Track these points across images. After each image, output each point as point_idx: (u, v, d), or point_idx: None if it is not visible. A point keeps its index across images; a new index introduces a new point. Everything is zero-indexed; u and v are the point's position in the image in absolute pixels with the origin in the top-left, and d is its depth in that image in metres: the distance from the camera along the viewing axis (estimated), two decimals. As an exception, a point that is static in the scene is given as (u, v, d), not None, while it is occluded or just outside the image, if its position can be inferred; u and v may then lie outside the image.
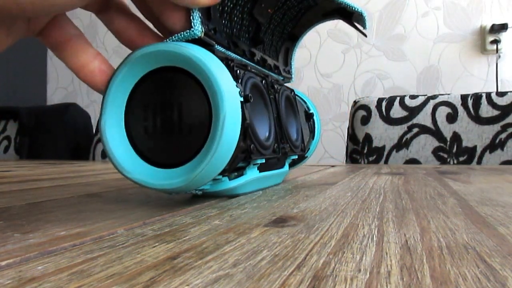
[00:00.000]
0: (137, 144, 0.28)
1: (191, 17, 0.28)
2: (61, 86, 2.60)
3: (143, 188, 0.39)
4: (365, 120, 1.06)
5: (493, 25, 1.98)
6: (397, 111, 1.04)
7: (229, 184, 0.32)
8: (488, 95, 1.00)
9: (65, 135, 1.55)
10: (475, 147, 0.97)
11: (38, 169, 0.75)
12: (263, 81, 0.38)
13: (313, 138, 0.52)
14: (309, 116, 0.51)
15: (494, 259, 0.15)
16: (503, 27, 1.96)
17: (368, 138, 1.04)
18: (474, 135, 0.98)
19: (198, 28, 0.28)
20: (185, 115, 0.27)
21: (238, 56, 0.35)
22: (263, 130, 0.35)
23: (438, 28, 2.09)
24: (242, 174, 0.34)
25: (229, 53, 0.34)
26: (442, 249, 0.17)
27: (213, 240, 0.19)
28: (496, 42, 1.97)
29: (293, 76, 0.51)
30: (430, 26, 2.10)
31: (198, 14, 0.28)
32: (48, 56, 2.60)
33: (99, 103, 2.68)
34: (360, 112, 1.07)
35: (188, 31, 0.28)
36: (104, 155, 1.33)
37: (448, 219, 0.24)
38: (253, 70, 0.37)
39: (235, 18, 0.36)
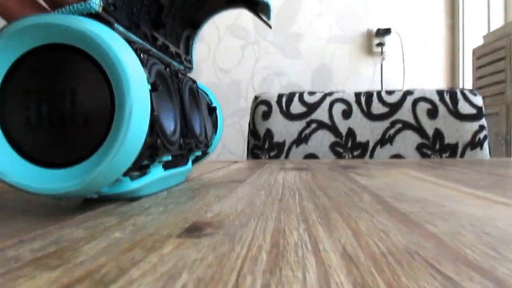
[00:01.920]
0: (15, 139, 0.23)
1: (85, -13, 0.23)
2: None
3: (22, 193, 0.33)
4: (266, 115, 1.06)
5: (378, 29, 2.13)
6: (296, 107, 1.06)
7: (130, 185, 0.28)
8: (379, 93, 1.06)
9: None
10: (367, 142, 1.03)
11: None
12: (167, 69, 0.34)
13: (215, 133, 0.49)
14: (212, 110, 0.48)
15: (445, 267, 0.14)
16: (387, 31, 2.12)
17: (269, 133, 1.05)
18: (367, 131, 1.03)
19: (95, 1, 0.23)
20: (80, 104, 0.23)
21: (139, 39, 0.31)
22: (169, 124, 0.31)
23: (331, 29, 2.19)
24: (145, 173, 0.30)
25: (130, 34, 0.29)
26: (386, 257, 0.15)
27: (115, 261, 0.15)
28: (381, 45, 2.13)
29: (193, 66, 0.48)
30: (324, 26, 2.19)
31: (94, -15, 0.24)
32: None
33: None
34: (261, 108, 1.07)
35: (82, 3, 0.23)
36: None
37: (373, 218, 0.22)
38: (156, 57, 0.33)
39: (135, -3, 0.31)
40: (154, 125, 0.26)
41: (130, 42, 0.28)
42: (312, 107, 1.06)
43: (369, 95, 1.06)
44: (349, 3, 2.17)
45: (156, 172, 0.31)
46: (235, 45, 2.21)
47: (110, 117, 0.22)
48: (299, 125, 1.05)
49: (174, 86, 0.35)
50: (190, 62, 0.47)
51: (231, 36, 2.20)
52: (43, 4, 0.26)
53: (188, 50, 0.47)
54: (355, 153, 1.02)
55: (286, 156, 1.04)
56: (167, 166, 0.33)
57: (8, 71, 0.23)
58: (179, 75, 0.37)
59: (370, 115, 1.04)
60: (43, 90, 0.23)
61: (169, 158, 0.31)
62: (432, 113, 1.02)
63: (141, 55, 0.27)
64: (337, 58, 2.19)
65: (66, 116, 0.23)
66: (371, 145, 1.03)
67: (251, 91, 2.20)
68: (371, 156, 1.02)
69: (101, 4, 0.24)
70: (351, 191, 0.33)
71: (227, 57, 2.21)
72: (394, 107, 1.04)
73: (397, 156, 1.01)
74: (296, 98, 1.07)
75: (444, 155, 1.00)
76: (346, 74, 2.18)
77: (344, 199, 0.29)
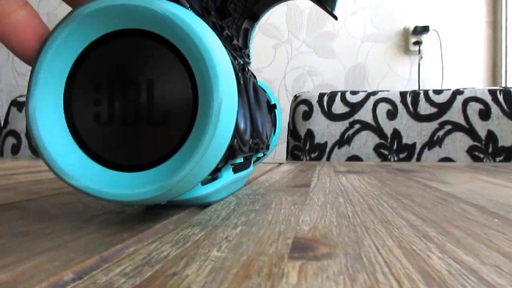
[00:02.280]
0: (83, 138, 0.20)
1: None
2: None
3: (76, 195, 0.30)
4: (307, 115, 1.02)
5: (415, 27, 2.06)
6: (338, 107, 1.02)
7: (201, 190, 0.25)
8: (426, 92, 1.01)
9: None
10: (414, 144, 0.98)
11: None
12: (235, 61, 0.31)
13: (274, 133, 0.46)
14: (271, 108, 0.44)
15: None
16: (425, 29, 2.04)
17: (310, 134, 1.01)
18: (414, 132, 0.98)
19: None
20: (158, 98, 0.20)
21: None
22: (241, 122, 0.28)
23: (365, 28, 2.14)
24: (217, 177, 0.26)
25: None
26: None
27: (240, 295, 0.11)
28: (418, 43, 2.06)
29: (251, 60, 0.45)
30: (358, 25, 2.14)
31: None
32: None
33: (9, 85, 2.40)
34: (301, 107, 1.03)
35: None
36: (34, 150, 1.16)
37: (505, 235, 0.18)
38: (226, 47, 0.29)
39: (201, -18, 0.28)
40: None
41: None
42: (355, 107, 1.01)
43: (415, 94, 1.01)
44: (384, 0, 2.11)
45: (227, 176, 0.27)
46: (267, 44, 2.18)
47: (192, 113, 0.19)
48: (341, 125, 1.01)
49: (242, 81, 0.31)
50: (249, 56, 0.44)
51: (263, 35, 2.17)
52: None
53: (246, 44, 0.44)
54: (401, 155, 0.98)
55: (328, 158, 1.00)
56: (236, 169, 0.30)
57: (77, 60, 0.20)
58: (246, 69, 0.34)
59: (417, 116, 0.99)
60: (115, 82, 0.20)
61: (241, 160, 0.28)
62: (485, 114, 0.96)
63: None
64: (372, 58, 2.13)
65: (142, 112, 0.20)
66: (418, 147, 0.98)
67: (283, 91, 2.16)
68: (418, 159, 0.97)
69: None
70: (441, 200, 0.29)
71: (259, 57, 2.18)
72: (443, 107, 0.98)
73: (447, 159, 0.96)
74: (338, 98, 1.03)
75: (498, 159, 0.94)
76: (381, 74, 2.12)
77: (443, 209, 0.25)
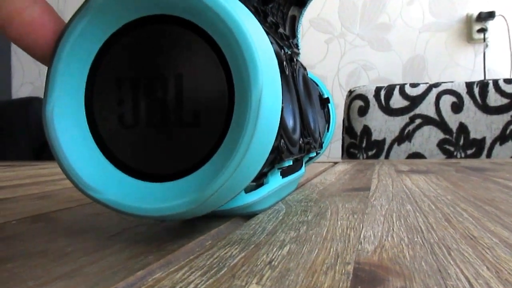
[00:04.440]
0: (107, 145, 0.18)
1: None
2: (27, 80, 2.43)
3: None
4: (363, 111, 0.96)
5: (480, 13, 1.92)
6: (397, 101, 0.96)
7: (245, 198, 0.22)
8: (495, 82, 0.92)
9: (28, 133, 1.40)
10: (484, 139, 0.89)
11: (-12, 173, 0.62)
12: (282, 51, 0.27)
13: (327, 130, 0.42)
14: (324, 102, 0.40)
15: None
16: (490, 15, 1.90)
17: (366, 130, 0.95)
18: (482, 126, 0.90)
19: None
20: (188, 94, 0.17)
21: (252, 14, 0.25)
22: (289, 120, 0.24)
23: (423, 17, 2.02)
24: (262, 184, 0.23)
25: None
26: None
27: None
28: (483, 30, 1.92)
29: (300, 51, 0.41)
30: (416, 14, 2.03)
31: None
32: (12, 50, 2.41)
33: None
34: (357, 102, 0.98)
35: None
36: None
37: None
38: (269, 35, 0.26)
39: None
40: (278, 124, 0.20)
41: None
42: (415, 101, 0.94)
43: (483, 85, 0.92)
44: (444, -13, 1.99)
45: (274, 181, 0.24)
46: (319, 39, 2.12)
47: (229, 111, 0.16)
48: (400, 120, 0.94)
49: (289, 73, 0.28)
50: (297, 46, 0.40)
51: (315, 30, 2.11)
52: None
53: (294, 32, 0.40)
54: (469, 151, 0.90)
55: (387, 156, 0.94)
56: (285, 172, 0.26)
57: (97, 56, 0.17)
58: (294, 59, 0.30)
59: (486, 108, 0.91)
60: (140, 78, 0.17)
61: (290, 163, 0.25)
62: None
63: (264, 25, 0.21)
64: (431, 48, 2.02)
65: (171, 111, 0.17)
66: (488, 142, 0.89)
67: (337, 87, 2.10)
68: (489, 155, 0.89)
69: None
70: (534, 207, 0.24)
71: (311, 52, 2.12)
72: (516, 98, 0.89)
73: (522, 154, 0.87)
74: (396, 91, 0.97)
75: None
76: (441, 65, 2.00)
77: (541, 220, 0.21)
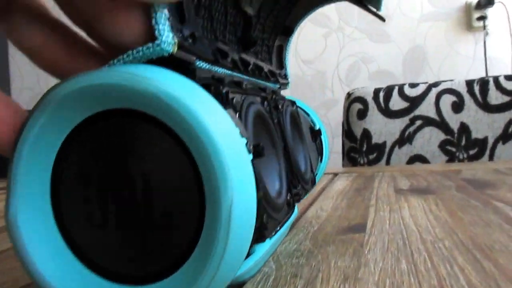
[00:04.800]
0: (79, 246, 0.17)
1: (154, 21, 0.16)
2: (26, 86, 2.42)
3: None
4: (362, 114, 0.95)
5: (479, 1, 1.89)
6: (396, 102, 0.94)
7: (230, 274, 0.21)
8: (496, 79, 0.91)
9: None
10: (486, 139, 0.88)
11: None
12: (265, 103, 0.26)
13: (321, 161, 0.41)
14: (316, 134, 0.39)
15: None
16: (490, 2, 1.87)
17: (366, 134, 0.94)
18: (484, 125, 0.88)
19: (168, 39, 0.16)
20: (157, 196, 0.16)
21: (228, 71, 0.23)
22: (275, 184, 0.23)
23: (422, 7, 1.99)
24: (249, 254, 0.22)
25: (216, 68, 0.22)
26: None
27: None
28: (483, 18, 1.89)
29: (289, 80, 0.40)
30: (414, 4, 2.00)
31: (166, 15, 0.16)
32: (10, 55, 2.40)
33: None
34: (356, 105, 0.96)
35: (150, 45, 0.16)
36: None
37: None
38: (250, 88, 0.25)
39: (217, 14, 0.24)
40: (260, 203, 0.19)
41: (218, 82, 0.21)
42: (415, 101, 0.93)
43: (483, 82, 0.91)
44: (442, -25, 1.95)
45: (262, 248, 0.23)
46: (317, 34, 2.09)
47: (200, 213, 0.15)
48: (401, 122, 0.93)
49: (275, 122, 0.27)
50: (286, 76, 0.39)
51: (312, 24, 2.09)
52: (100, 49, 0.19)
53: (282, 63, 0.39)
54: (471, 152, 0.88)
55: (388, 159, 0.93)
56: (265, 236, 0.25)
57: (61, 149, 0.16)
58: (279, 106, 0.29)
59: (487, 106, 0.89)
60: (106, 175, 0.16)
61: (277, 228, 0.24)
62: None
63: (234, 99, 0.20)
64: (431, 38, 1.99)
65: (140, 212, 0.16)
66: (490, 141, 0.88)
67: (337, 81, 2.08)
68: (491, 155, 0.87)
69: (176, 41, 0.17)
70: (535, 260, 0.23)
71: (309, 47, 2.10)
72: (518, 95, 0.88)
73: (525, 153, 0.85)
74: (395, 92, 0.95)
75: None
76: (442, 54, 1.97)
77: (541, 288, 0.20)
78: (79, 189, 0.16)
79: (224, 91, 0.19)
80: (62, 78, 0.19)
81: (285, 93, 0.37)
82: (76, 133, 0.16)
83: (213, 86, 0.19)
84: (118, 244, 0.16)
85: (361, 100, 0.96)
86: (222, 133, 0.15)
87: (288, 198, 0.25)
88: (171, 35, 0.17)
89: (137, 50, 0.16)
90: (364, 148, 0.94)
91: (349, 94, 1.00)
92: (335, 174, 0.69)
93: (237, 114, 0.20)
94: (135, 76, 0.15)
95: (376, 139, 0.93)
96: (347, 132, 0.97)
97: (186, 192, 0.15)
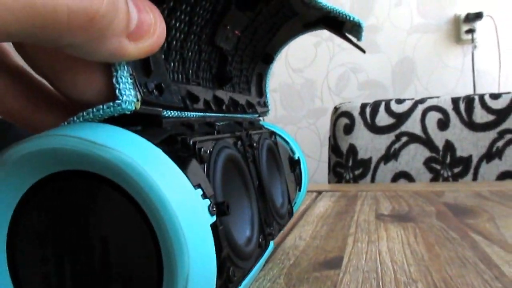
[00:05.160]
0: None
1: (115, 80, 0.16)
2: None
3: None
4: (349, 129, 0.95)
5: (467, 14, 1.91)
6: (383, 118, 0.94)
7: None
8: (481, 97, 0.91)
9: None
10: (470, 157, 0.89)
11: None
12: (239, 143, 0.26)
13: (299, 190, 0.40)
14: (294, 164, 0.39)
15: None
16: (478, 15, 1.89)
17: (352, 149, 0.94)
18: (469, 144, 0.89)
19: (129, 98, 0.16)
20: (115, 261, 0.15)
21: (200, 113, 0.23)
22: (244, 231, 0.23)
23: (411, 18, 2.01)
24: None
25: (186, 114, 0.21)
26: None
27: None
28: (471, 31, 1.91)
29: (269, 106, 0.40)
30: (404, 16, 2.01)
31: (127, 72, 0.16)
32: None
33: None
34: (342, 120, 0.96)
35: (111, 104, 0.16)
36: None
37: None
38: (223, 131, 0.25)
39: (190, 54, 0.24)
40: (224, 263, 0.18)
41: (185, 129, 0.20)
42: (401, 118, 0.93)
43: (469, 100, 0.91)
44: (432, -13, 1.97)
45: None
46: (308, 43, 2.10)
47: (158, 281, 0.15)
48: (386, 139, 0.93)
49: (249, 161, 0.27)
50: (265, 104, 0.39)
51: (303, 33, 2.10)
52: (63, 99, 0.19)
53: (261, 90, 0.39)
54: (455, 170, 0.89)
55: (373, 175, 0.93)
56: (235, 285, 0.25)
57: (18, 207, 0.16)
58: (254, 143, 0.28)
59: (472, 125, 0.90)
60: (63, 237, 0.16)
61: (246, 275, 0.23)
62: (552, 120, 0.85)
63: (202, 150, 0.20)
64: (420, 50, 2.01)
65: (97, 277, 0.15)
66: (474, 160, 0.88)
67: (327, 90, 2.08)
68: (475, 173, 0.88)
69: (139, 98, 0.16)
70: (505, 311, 0.23)
71: (299, 56, 2.10)
72: (502, 114, 0.88)
73: (508, 173, 0.86)
74: (382, 108, 0.95)
75: None
76: (431, 66, 1.99)
77: None
78: (36, 249, 0.16)
79: (191, 142, 0.19)
80: (24, 127, 0.19)
81: (273, 100, 0.37)
82: (31, 193, 0.16)
83: (180, 137, 0.19)
84: None
85: (348, 115, 0.96)
86: (179, 200, 0.14)
87: (260, 240, 0.25)
88: (133, 93, 0.16)
89: (97, 108, 0.16)
90: (350, 164, 0.94)
91: (336, 109, 1.00)
92: (319, 193, 0.69)
93: (206, 165, 0.20)
94: (88, 142, 0.14)
95: (362, 154, 0.94)
96: (334, 147, 0.97)
97: (144, 259, 0.15)
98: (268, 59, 0.38)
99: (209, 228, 0.16)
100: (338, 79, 2.08)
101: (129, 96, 0.16)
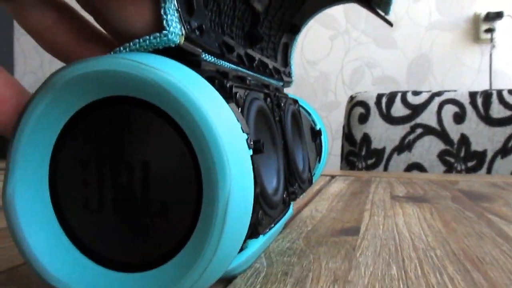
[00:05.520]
0: (74, 230, 0.17)
1: (163, 11, 0.16)
2: (29, 70, 2.41)
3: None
4: (363, 118, 0.95)
5: (488, 13, 1.89)
6: (398, 109, 0.94)
7: (221, 268, 0.21)
8: (499, 92, 0.91)
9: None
10: (485, 151, 0.88)
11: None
12: (268, 100, 0.26)
13: (319, 162, 0.41)
14: (316, 135, 0.39)
15: None
16: (498, 15, 1.87)
17: (366, 138, 0.94)
18: (484, 138, 0.88)
19: (175, 30, 0.16)
20: (155, 184, 0.16)
21: (233, 65, 0.24)
22: (272, 181, 0.23)
23: (430, 15, 1.99)
24: (242, 249, 0.22)
25: (222, 62, 0.22)
26: None
27: None
28: (490, 31, 1.89)
29: (293, 78, 0.40)
30: (422, 12, 2.00)
31: (174, 6, 0.16)
32: (15, 38, 2.40)
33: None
34: (358, 109, 0.96)
35: (157, 35, 0.16)
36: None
37: None
38: (254, 84, 0.25)
39: (225, 8, 0.24)
40: (257, 200, 0.19)
41: (223, 76, 0.21)
42: (417, 109, 0.93)
43: (487, 95, 0.91)
44: (452, -15, 1.95)
45: (255, 244, 0.23)
46: (324, 36, 2.09)
47: (197, 201, 0.15)
48: (401, 129, 0.93)
49: (276, 120, 0.27)
50: (290, 74, 0.39)
51: (320, 26, 2.09)
52: (109, 36, 0.19)
53: (286, 61, 0.39)
54: (469, 164, 0.89)
55: (386, 165, 0.93)
56: (259, 232, 0.25)
57: (61, 134, 0.17)
58: (281, 104, 0.29)
59: (488, 120, 0.89)
60: (104, 161, 0.16)
61: (271, 225, 0.24)
62: None
63: (238, 94, 0.20)
64: (437, 47, 1.99)
65: (137, 200, 0.16)
66: (489, 155, 0.88)
67: (341, 84, 2.08)
68: (489, 168, 0.88)
69: (183, 33, 0.17)
70: (524, 275, 0.23)
71: (315, 49, 2.10)
72: (520, 110, 0.88)
73: (523, 169, 0.85)
74: (398, 99, 0.95)
75: None
76: (447, 65, 1.97)
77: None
78: (77, 173, 0.16)
79: (228, 85, 0.19)
80: (67, 62, 0.19)
81: (286, 91, 0.37)
82: (78, 117, 0.16)
83: (217, 79, 0.19)
84: (113, 231, 0.16)
85: (363, 104, 0.96)
86: (224, 127, 0.15)
87: (284, 196, 0.25)
88: (179, 26, 0.17)
89: (144, 39, 0.16)
90: (363, 153, 0.94)
91: (351, 98, 1.00)
92: (333, 177, 0.69)
93: (240, 109, 0.20)
94: (140, 64, 0.15)
95: (375, 144, 0.94)
96: (347, 136, 0.97)
97: (184, 182, 0.15)
98: (295, 30, 0.38)
99: (249, 158, 0.16)
100: (352, 73, 2.07)
101: (175, 28, 0.16)
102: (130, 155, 0.16)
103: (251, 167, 0.16)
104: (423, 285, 0.22)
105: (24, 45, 2.37)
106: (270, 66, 0.32)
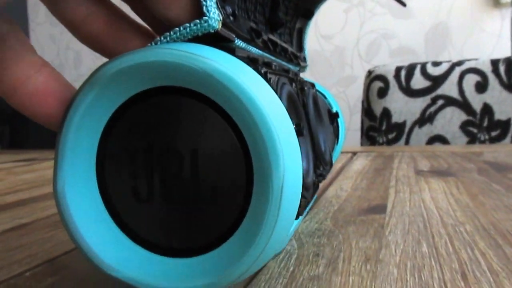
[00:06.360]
0: (124, 219, 0.17)
1: (202, -3, 0.16)
2: (46, 59, 2.44)
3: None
4: (383, 93, 0.94)
5: (508, -25, 1.82)
6: (418, 81, 0.93)
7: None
8: (523, 59, 0.88)
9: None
10: (509, 120, 0.87)
11: (11, 174, 0.63)
12: (293, 84, 0.26)
13: (337, 143, 0.41)
14: (333, 117, 0.39)
15: None
16: (519, -24, 1.80)
17: (386, 113, 0.93)
18: (508, 106, 0.87)
19: (215, 15, 0.17)
20: (204, 172, 0.16)
21: (260, 51, 0.24)
22: (304, 164, 0.24)
23: (447, -19, 1.93)
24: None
25: (252, 48, 0.22)
26: None
27: None
28: (511, -7, 1.82)
29: (307, 62, 0.40)
30: (439, -22, 1.93)
31: (212, -9, 0.17)
32: (30, 28, 2.42)
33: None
34: (376, 83, 0.95)
35: (197, 22, 0.16)
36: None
37: None
38: (279, 70, 0.25)
39: (249, -7, 0.24)
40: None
41: (255, 62, 0.21)
42: (437, 81, 0.91)
43: (509, 62, 0.88)
44: None
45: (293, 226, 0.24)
46: (338, 9, 2.05)
47: (248, 189, 0.16)
48: (422, 102, 0.92)
49: (301, 104, 0.27)
50: (305, 59, 0.39)
51: (333, -1, 2.05)
52: (148, 28, 0.20)
53: (301, 46, 0.39)
54: (493, 133, 0.87)
55: (407, 139, 0.92)
56: (299, 214, 0.26)
57: (108, 124, 0.17)
58: (304, 88, 0.29)
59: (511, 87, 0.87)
60: (153, 151, 0.17)
61: (307, 208, 0.24)
62: None
63: (271, 79, 0.20)
64: (455, 14, 1.93)
65: (187, 188, 0.16)
66: (513, 123, 0.86)
67: (357, 58, 2.04)
68: (514, 136, 0.86)
69: (221, 18, 0.17)
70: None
71: (329, 22, 2.06)
72: (544, 76, 0.85)
73: (549, 136, 0.84)
74: (417, 71, 0.94)
75: None
76: (466, 32, 1.92)
77: None
78: (125, 163, 0.17)
79: (262, 71, 0.19)
80: (102, 53, 0.20)
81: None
82: (124, 109, 0.17)
83: (251, 65, 0.19)
84: (163, 218, 0.17)
85: (382, 78, 0.95)
86: (273, 112, 0.15)
87: (315, 179, 0.26)
88: (217, 12, 0.17)
89: (184, 26, 0.17)
90: (384, 127, 0.93)
91: (369, 72, 0.98)
92: (354, 153, 0.69)
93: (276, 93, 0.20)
94: (189, 54, 0.15)
95: (396, 118, 0.93)
96: (367, 111, 0.96)
97: (234, 167, 0.16)
98: (308, 14, 0.38)
99: (297, 140, 0.16)
100: (368, 46, 2.03)
101: (214, 13, 0.16)
102: (177, 144, 0.16)
103: (299, 149, 0.16)
104: (455, 261, 0.22)
105: (40, 35, 2.39)
106: (289, 51, 0.31)
